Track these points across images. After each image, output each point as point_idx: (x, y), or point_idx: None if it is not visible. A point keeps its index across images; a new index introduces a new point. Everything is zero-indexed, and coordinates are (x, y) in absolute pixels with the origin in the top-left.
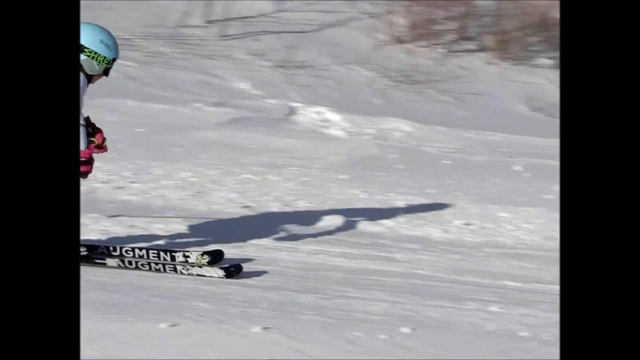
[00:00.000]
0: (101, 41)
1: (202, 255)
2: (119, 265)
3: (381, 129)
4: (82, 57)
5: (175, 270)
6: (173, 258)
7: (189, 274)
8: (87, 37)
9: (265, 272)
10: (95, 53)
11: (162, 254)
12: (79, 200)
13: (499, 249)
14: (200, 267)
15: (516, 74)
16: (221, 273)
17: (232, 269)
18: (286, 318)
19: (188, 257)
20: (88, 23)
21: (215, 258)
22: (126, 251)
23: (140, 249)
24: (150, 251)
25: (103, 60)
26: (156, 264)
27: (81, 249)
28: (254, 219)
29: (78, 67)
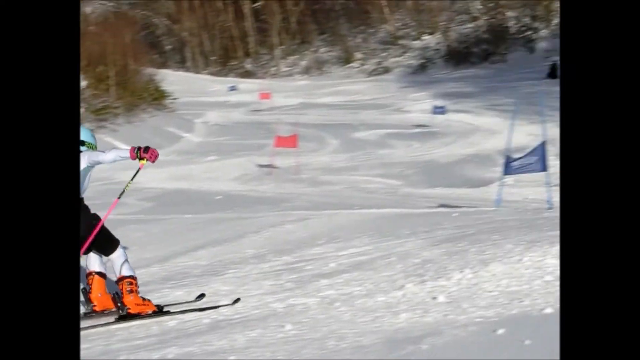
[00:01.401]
0: (91, 135)
1: (194, 300)
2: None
3: None
4: (84, 148)
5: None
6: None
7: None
8: (84, 135)
9: None
10: (91, 144)
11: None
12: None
13: None
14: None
15: None
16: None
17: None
18: None
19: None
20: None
21: (200, 296)
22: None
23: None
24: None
25: (95, 148)
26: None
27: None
28: None
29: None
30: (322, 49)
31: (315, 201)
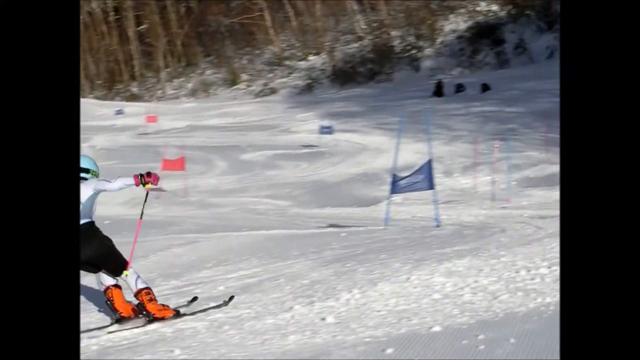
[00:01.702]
0: (94, 163)
1: (187, 303)
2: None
3: None
4: (89, 176)
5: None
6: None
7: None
8: (89, 163)
9: None
10: (95, 172)
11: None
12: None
13: None
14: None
15: None
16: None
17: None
18: None
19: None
20: (84, 155)
21: (193, 300)
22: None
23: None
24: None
25: (98, 175)
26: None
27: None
28: None
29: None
30: (208, 71)
31: (204, 224)
